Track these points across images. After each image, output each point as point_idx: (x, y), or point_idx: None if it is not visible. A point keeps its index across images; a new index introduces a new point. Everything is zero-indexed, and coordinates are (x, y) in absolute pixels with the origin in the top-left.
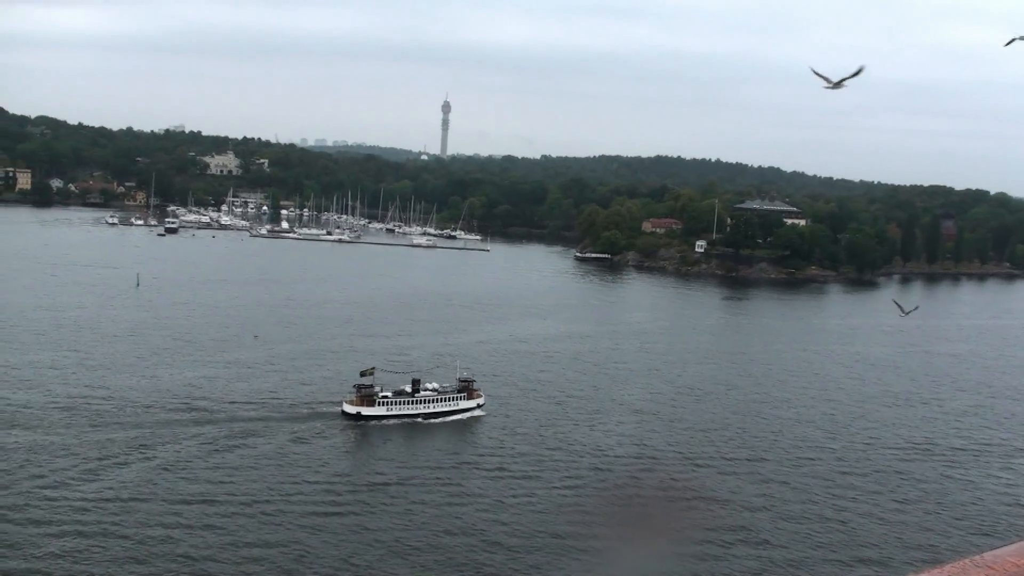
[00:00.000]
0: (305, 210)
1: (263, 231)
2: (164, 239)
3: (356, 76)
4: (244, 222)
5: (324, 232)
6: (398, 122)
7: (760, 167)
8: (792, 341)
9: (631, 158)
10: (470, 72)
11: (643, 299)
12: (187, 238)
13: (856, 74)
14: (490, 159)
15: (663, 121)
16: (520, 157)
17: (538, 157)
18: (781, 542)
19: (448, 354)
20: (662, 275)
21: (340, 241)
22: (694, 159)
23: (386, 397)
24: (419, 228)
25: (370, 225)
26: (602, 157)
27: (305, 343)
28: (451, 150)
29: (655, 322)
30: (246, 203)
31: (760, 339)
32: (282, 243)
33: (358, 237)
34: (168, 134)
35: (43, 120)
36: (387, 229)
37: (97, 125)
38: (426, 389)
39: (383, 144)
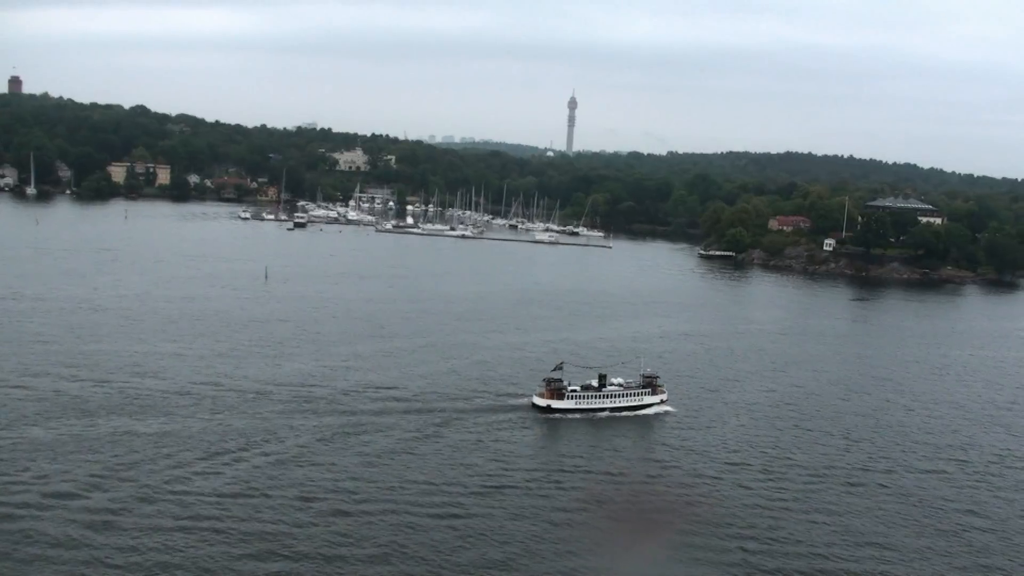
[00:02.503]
0: (430, 206)
1: (388, 226)
2: (293, 233)
3: (484, 74)
4: (370, 217)
5: (448, 228)
6: (525, 119)
7: (895, 164)
8: (925, 344)
9: (759, 154)
10: (597, 69)
11: (770, 298)
12: (315, 233)
13: None
14: (616, 156)
15: (793, 117)
16: (646, 154)
17: (664, 154)
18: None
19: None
20: (789, 274)
21: (463, 237)
22: (825, 155)
23: (575, 391)
24: (542, 224)
25: (493, 221)
26: (730, 153)
27: (435, 336)
28: (577, 147)
29: (782, 322)
30: (373, 199)
31: (891, 341)
32: (406, 238)
33: (481, 233)
34: (300, 131)
35: (183, 118)
36: (510, 225)
37: (233, 123)
38: (612, 384)
39: (509, 141)
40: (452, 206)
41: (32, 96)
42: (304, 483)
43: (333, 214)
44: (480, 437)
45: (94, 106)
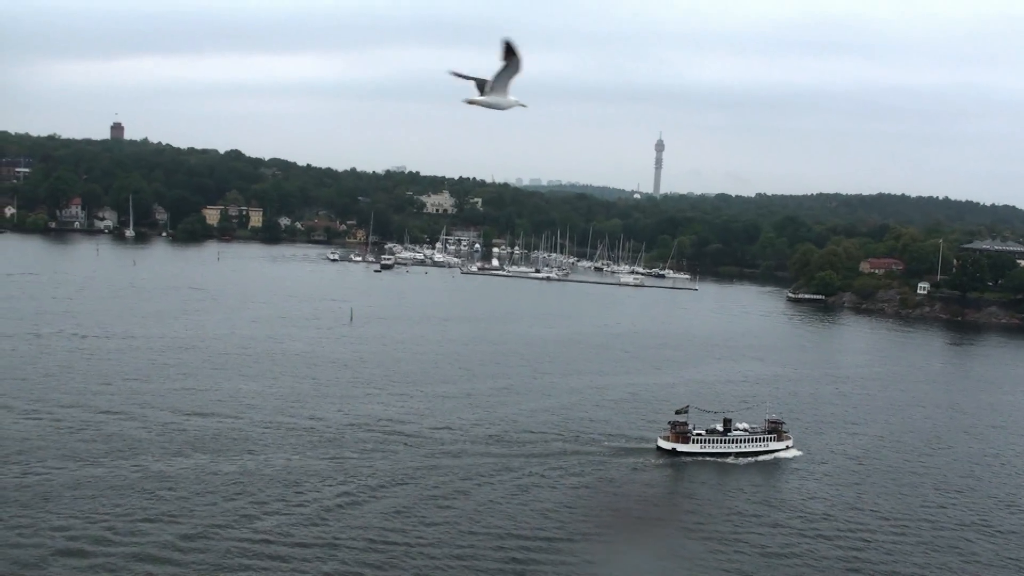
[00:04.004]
0: (516, 248)
1: (474, 268)
2: (380, 275)
3: (570, 116)
4: (456, 259)
5: (533, 270)
6: (612, 161)
7: (993, 205)
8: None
9: (850, 196)
10: (683, 111)
11: (864, 342)
12: (401, 274)
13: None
14: (703, 198)
15: (884, 157)
16: (734, 195)
17: (752, 195)
18: None
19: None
20: (881, 318)
21: (548, 279)
22: (919, 197)
23: (700, 435)
24: (627, 267)
25: (579, 263)
26: (819, 195)
27: (517, 378)
28: (664, 189)
29: (880, 366)
30: (459, 241)
31: (987, 390)
32: (491, 280)
33: (566, 275)
34: (388, 175)
35: (275, 162)
36: (595, 267)
37: (324, 166)
38: (737, 429)
39: (596, 183)
40: (537, 248)
41: (133, 141)
42: (401, 527)
43: (420, 256)
44: (598, 479)
45: (191, 151)
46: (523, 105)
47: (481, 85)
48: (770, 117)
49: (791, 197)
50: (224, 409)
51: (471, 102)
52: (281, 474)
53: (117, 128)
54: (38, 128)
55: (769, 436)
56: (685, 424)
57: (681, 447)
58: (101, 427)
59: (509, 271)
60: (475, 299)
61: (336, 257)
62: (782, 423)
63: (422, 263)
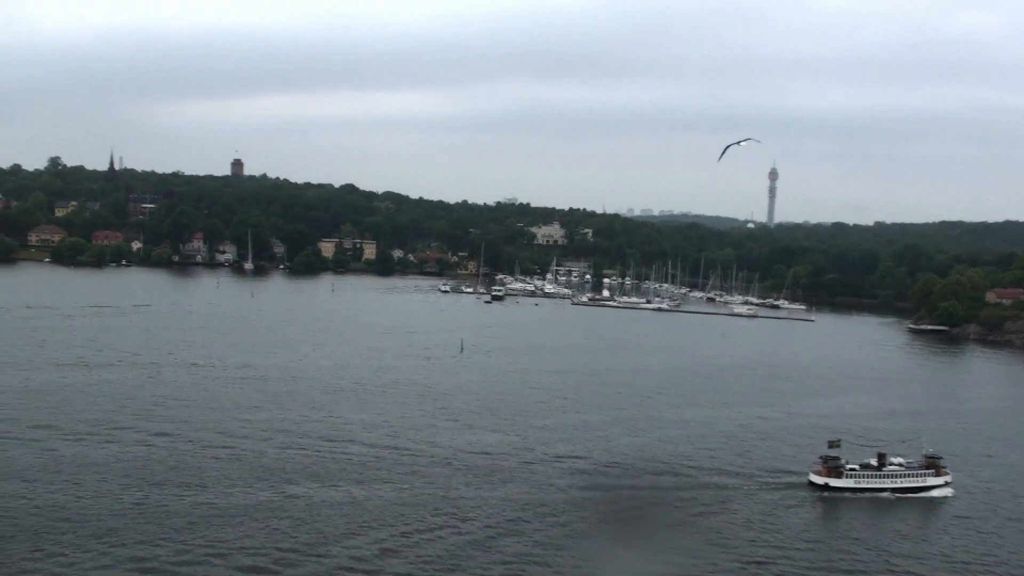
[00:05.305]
0: (626, 278)
1: (584, 299)
2: (491, 306)
3: (680, 146)
4: (567, 290)
5: (644, 300)
6: (724, 190)
7: None
8: None
9: (975, 223)
10: (795, 139)
11: (998, 375)
12: (512, 305)
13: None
14: (818, 226)
15: (1011, 184)
16: (851, 224)
17: (870, 224)
18: None
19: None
20: (1010, 349)
21: (659, 310)
22: None
23: (853, 470)
24: (740, 297)
25: (690, 294)
26: (942, 223)
27: (637, 409)
28: (778, 217)
29: (1015, 400)
30: (570, 272)
31: None
32: (602, 311)
33: (678, 306)
34: (499, 206)
35: (388, 195)
36: (707, 298)
37: (436, 199)
38: (892, 464)
39: (708, 213)
40: (648, 279)
41: (252, 177)
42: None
43: (530, 287)
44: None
45: (307, 185)
46: None
47: None
48: (887, 144)
49: (911, 225)
50: (333, 438)
51: None
52: (390, 505)
53: (237, 164)
54: (163, 165)
55: (927, 471)
56: (837, 458)
57: (834, 482)
58: (215, 454)
59: (620, 302)
60: (587, 329)
61: (448, 288)
62: (940, 458)
63: (533, 294)
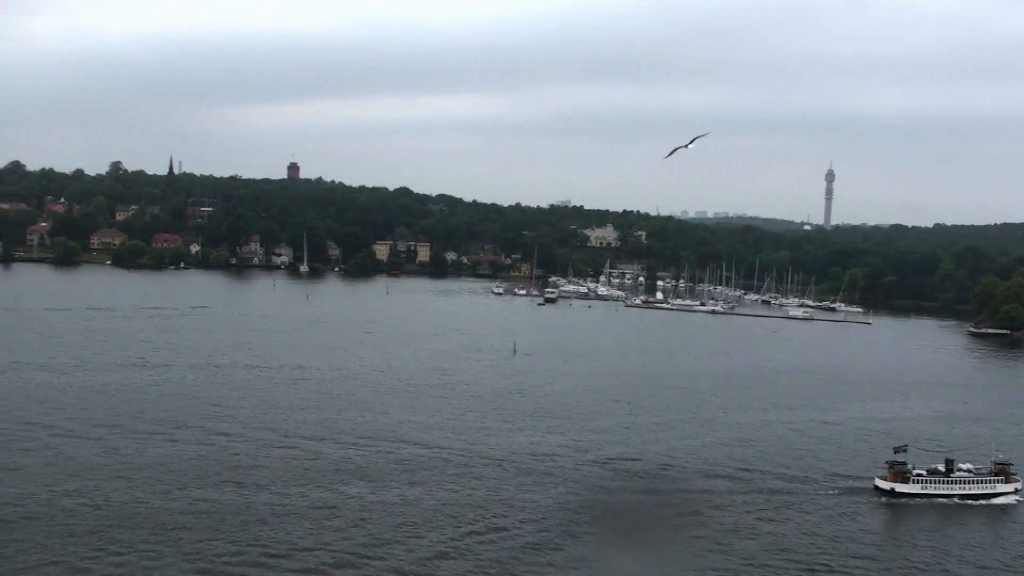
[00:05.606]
0: (680, 281)
1: (637, 301)
2: (543, 308)
3: (736, 148)
4: (620, 293)
5: (698, 303)
6: (780, 193)
7: None
8: None
9: None
10: (852, 141)
11: None
12: (564, 308)
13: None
14: (876, 228)
15: None
16: (910, 226)
17: (930, 226)
18: None
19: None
20: None
21: (713, 312)
22: None
23: (920, 475)
24: (796, 299)
25: (745, 296)
26: (1004, 225)
27: (708, 411)
28: (835, 220)
29: None
30: (623, 274)
31: None
32: (656, 314)
33: (732, 308)
34: (552, 209)
35: (442, 198)
36: (762, 300)
37: (489, 202)
38: (960, 469)
39: (764, 215)
40: (702, 281)
41: (307, 180)
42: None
43: (583, 289)
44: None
45: (362, 188)
46: None
47: None
48: (946, 145)
49: (972, 227)
50: (386, 439)
51: None
52: (443, 506)
53: (293, 168)
54: (221, 170)
55: (996, 478)
56: (904, 463)
57: (900, 487)
58: (271, 454)
59: (674, 304)
60: (640, 332)
61: (501, 291)
62: (1010, 464)
63: (586, 296)
